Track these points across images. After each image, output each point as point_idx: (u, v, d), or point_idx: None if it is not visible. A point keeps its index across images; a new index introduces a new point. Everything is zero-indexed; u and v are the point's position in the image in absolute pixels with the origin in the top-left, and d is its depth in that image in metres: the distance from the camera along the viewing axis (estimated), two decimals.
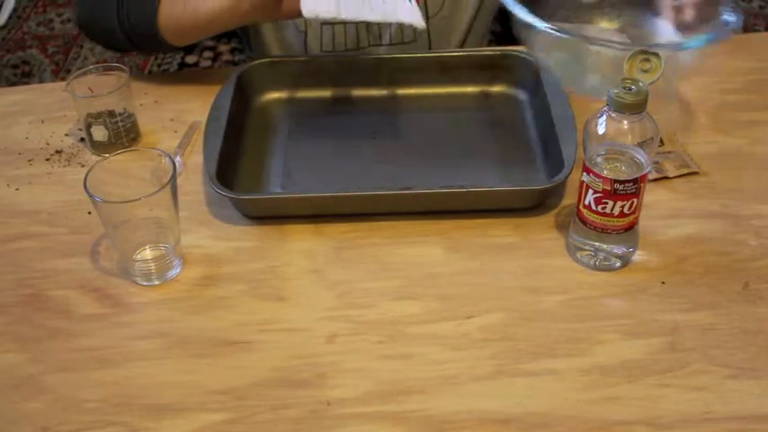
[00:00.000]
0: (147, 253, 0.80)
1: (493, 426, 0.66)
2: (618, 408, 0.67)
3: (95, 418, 0.68)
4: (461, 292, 0.77)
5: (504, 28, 1.34)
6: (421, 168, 0.92)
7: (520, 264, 0.80)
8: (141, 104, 1.03)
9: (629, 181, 0.72)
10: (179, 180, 0.80)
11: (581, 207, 0.76)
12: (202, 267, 0.81)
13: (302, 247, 0.83)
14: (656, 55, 0.94)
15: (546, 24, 0.82)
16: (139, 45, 1.03)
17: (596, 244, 0.77)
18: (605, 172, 0.73)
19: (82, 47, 2.46)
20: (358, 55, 0.96)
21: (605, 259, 0.78)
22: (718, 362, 0.70)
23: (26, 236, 0.86)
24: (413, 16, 0.88)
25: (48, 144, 0.98)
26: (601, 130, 0.72)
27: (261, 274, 0.80)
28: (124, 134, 0.95)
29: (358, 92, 1.02)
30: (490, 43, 1.29)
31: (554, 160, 0.87)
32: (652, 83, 0.92)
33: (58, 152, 0.97)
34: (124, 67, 0.95)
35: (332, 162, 0.93)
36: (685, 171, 0.89)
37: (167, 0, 0.99)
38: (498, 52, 1.03)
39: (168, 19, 0.99)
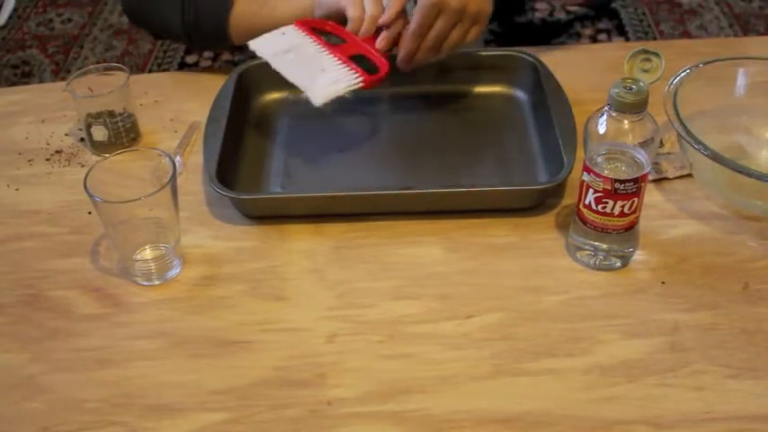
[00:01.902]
0: (147, 253, 0.80)
1: (493, 425, 0.66)
2: (618, 408, 0.67)
3: (95, 418, 0.68)
4: (461, 292, 0.77)
5: (504, 28, 1.34)
6: (421, 168, 0.92)
7: (520, 264, 0.80)
8: (141, 104, 1.03)
9: (629, 180, 0.72)
10: (179, 180, 0.80)
11: (581, 207, 0.76)
12: (202, 267, 0.81)
13: (302, 247, 0.83)
14: (656, 54, 0.94)
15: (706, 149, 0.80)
16: (197, 41, 1.03)
17: (596, 244, 0.77)
18: (606, 171, 0.73)
19: (82, 47, 2.46)
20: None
21: (605, 259, 0.78)
22: (719, 362, 0.70)
23: (26, 236, 0.86)
24: (329, 90, 0.87)
25: (48, 144, 0.98)
26: (601, 129, 0.72)
27: (261, 274, 0.80)
28: (124, 134, 0.95)
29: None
30: (490, 43, 1.29)
31: (554, 160, 0.87)
32: (653, 83, 0.92)
33: (58, 152, 0.97)
34: (124, 67, 0.95)
35: (332, 162, 0.93)
36: (685, 172, 0.89)
37: None
38: (498, 52, 1.03)
39: (241, 17, 0.99)
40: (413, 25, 0.89)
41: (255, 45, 0.93)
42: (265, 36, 0.94)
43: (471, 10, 0.89)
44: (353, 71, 0.89)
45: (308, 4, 0.97)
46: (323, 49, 0.92)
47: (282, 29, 0.95)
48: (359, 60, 0.90)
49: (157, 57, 2.41)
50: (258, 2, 0.99)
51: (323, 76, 0.89)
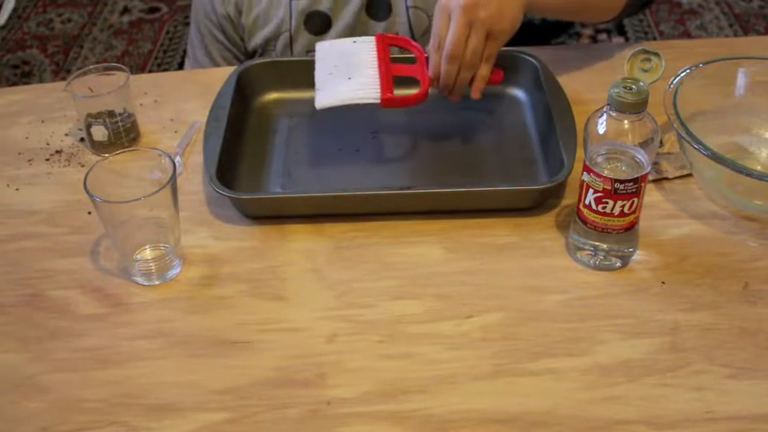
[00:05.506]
0: (147, 253, 0.80)
1: (493, 425, 0.66)
2: (618, 407, 0.67)
3: (95, 418, 0.68)
4: (461, 292, 0.77)
5: None
6: (421, 168, 0.92)
7: (520, 264, 0.80)
8: (141, 104, 1.03)
9: (629, 180, 0.72)
10: (179, 180, 0.80)
11: (581, 207, 0.76)
12: (202, 267, 0.81)
13: (302, 247, 0.83)
14: (656, 55, 0.94)
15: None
16: None
17: (596, 244, 0.77)
18: (606, 171, 0.73)
19: (82, 47, 2.46)
20: None
21: (605, 259, 0.78)
22: (718, 362, 0.70)
23: (26, 236, 0.86)
24: (336, 97, 0.86)
25: (48, 144, 0.98)
26: (601, 129, 0.72)
27: (261, 274, 0.80)
28: (124, 134, 0.95)
29: None
30: None
31: (554, 160, 0.87)
32: (653, 83, 0.92)
33: (57, 152, 0.97)
34: (124, 67, 0.95)
35: (332, 162, 0.93)
36: (685, 172, 0.89)
37: None
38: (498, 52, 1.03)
39: None
40: (447, 48, 0.85)
41: (320, 46, 0.93)
42: (335, 41, 0.94)
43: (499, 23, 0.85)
44: (380, 88, 0.87)
45: None
46: (374, 62, 0.90)
47: (359, 38, 0.94)
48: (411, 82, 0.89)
49: (157, 57, 2.41)
50: None
51: (345, 84, 0.88)
